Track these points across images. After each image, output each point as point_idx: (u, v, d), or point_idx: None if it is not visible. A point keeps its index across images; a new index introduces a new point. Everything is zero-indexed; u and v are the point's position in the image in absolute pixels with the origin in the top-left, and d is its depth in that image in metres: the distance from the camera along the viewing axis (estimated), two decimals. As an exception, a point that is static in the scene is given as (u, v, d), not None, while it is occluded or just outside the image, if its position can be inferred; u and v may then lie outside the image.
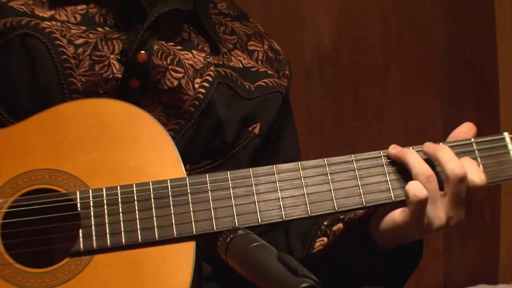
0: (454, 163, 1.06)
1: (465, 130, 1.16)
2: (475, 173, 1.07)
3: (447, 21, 2.38)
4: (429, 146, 1.11)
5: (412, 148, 1.13)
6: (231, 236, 0.93)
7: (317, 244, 1.26)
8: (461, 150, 1.13)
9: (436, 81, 2.38)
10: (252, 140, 1.30)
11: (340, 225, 1.21)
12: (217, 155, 1.27)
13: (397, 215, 1.09)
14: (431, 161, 1.11)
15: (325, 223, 1.22)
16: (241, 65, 1.30)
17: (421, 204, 1.05)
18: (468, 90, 2.43)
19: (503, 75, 2.43)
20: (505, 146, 1.15)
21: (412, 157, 1.10)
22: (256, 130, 1.31)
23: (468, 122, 1.18)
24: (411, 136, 2.31)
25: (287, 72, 1.38)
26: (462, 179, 1.05)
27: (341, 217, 1.19)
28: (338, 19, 2.26)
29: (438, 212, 1.07)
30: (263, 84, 1.32)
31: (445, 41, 2.40)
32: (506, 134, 1.15)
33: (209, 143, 1.26)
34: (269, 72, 1.33)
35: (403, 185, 1.09)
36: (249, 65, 1.32)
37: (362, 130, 2.30)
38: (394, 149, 1.14)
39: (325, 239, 1.25)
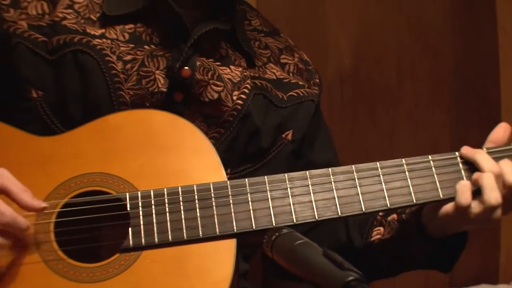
0: (490, 163, 1.10)
1: (502, 131, 1.20)
2: None
3: (455, 46, 2.38)
4: (467, 150, 1.16)
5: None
6: (276, 234, 0.95)
7: (374, 233, 1.29)
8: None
9: (444, 100, 2.38)
10: (286, 146, 1.32)
11: (395, 215, 1.24)
12: (255, 159, 1.28)
13: (450, 210, 1.11)
14: None
15: (380, 213, 1.25)
16: (274, 77, 1.31)
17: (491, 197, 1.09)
18: (473, 108, 2.42)
19: (505, 96, 2.43)
20: None
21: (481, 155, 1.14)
22: (289, 137, 1.32)
23: (504, 122, 1.21)
24: (420, 149, 2.28)
25: (317, 80, 1.40)
26: (498, 176, 1.08)
27: None
28: (357, 42, 2.27)
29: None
30: (295, 94, 1.33)
31: (453, 64, 2.39)
32: None
33: (246, 149, 1.26)
34: (300, 83, 1.34)
35: (419, 190, 1.13)
36: (282, 76, 1.32)
37: (377, 142, 2.30)
38: (464, 150, 1.17)
39: (381, 228, 1.28)
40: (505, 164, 1.10)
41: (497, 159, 1.12)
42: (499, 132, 1.17)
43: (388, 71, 2.29)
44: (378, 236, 1.27)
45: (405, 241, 1.22)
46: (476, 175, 1.10)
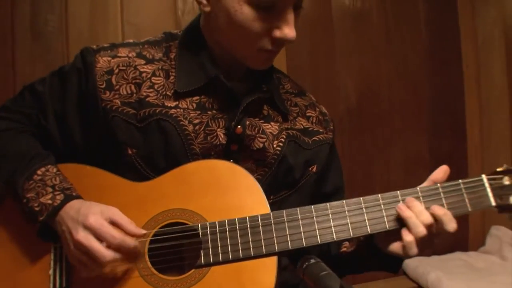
0: (424, 215, 0.99)
1: (442, 172, 1.07)
2: (449, 222, 0.99)
3: (431, 81, 2.36)
4: (408, 201, 1.02)
5: (400, 195, 1.04)
6: (306, 263, 0.93)
7: (343, 246, 1.25)
8: (450, 189, 1.03)
9: (424, 121, 2.36)
10: (311, 176, 1.28)
11: None
12: (290, 187, 1.25)
13: (396, 247, 1.04)
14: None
15: None
16: (302, 127, 1.27)
17: (409, 242, 1.01)
18: (445, 126, 2.37)
19: (469, 116, 2.38)
20: (483, 184, 1.03)
21: (408, 214, 1.01)
22: (314, 169, 1.28)
23: (444, 165, 1.08)
24: (408, 159, 2.27)
25: (332, 127, 1.34)
26: (431, 225, 0.99)
27: None
28: (360, 82, 2.26)
29: (419, 246, 1.01)
30: (317, 139, 1.28)
31: (429, 95, 2.37)
32: (483, 176, 1.04)
33: (284, 180, 1.23)
34: (320, 130, 1.29)
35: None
36: (307, 126, 1.28)
37: (377, 155, 2.28)
38: (398, 208, 1.03)
39: (347, 243, 1.24)
40: (420, 214, 1.00)
41: (428, 197, 1.03)
42: (440, 173, 1.07)
43: (382, 104, 2.27)
44: (344, 249, 1.24)
45: (362, 255, 1.17)
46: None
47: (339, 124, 2.15)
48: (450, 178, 2.43)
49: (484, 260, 2.09)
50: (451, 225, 0.98)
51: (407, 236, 1.00)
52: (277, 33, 1.04)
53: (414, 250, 1.02)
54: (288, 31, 1.03)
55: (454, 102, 2.33)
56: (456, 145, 2.30)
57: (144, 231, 1.01)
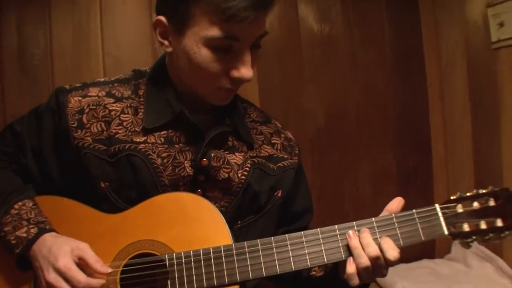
0: (371, 247, 0.98)
1: (396, 204, 1.06)
2: (390, 251, 0.97)
3: (397, 101, 2.37)
4: (361, 231, 1.02)
5: (355, 226, 1.03)
6: None
7: (312, 270, 1.23)
8: (404, 219, 1.01)
9: (390, 138, 2.36)
10: (277, 201, 1.27)
11: None
12: (256, 212, 1.24)
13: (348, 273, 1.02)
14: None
15: None
16: (267, 154, 1.26)
17: (351, 274, 0.99)
18: (411, 142, 2.38)
19: (433, 132, 2.38)
20: (436, 213, 1.01)
21: (353, 242, 1.01)
22: (279, 194, 1.27)
23: (399, 197, 1.06)
24: (377, 173, 2.28)
25: (297, 151, 1.33)
26: (377, 257, 0.98)
27: None
28: (328, 104, 2.27)
29: (367, 274, 0.99)
30: (281, 165, 1.27)
31: (395, 112, 2.38)
32: (437, 205, 1.03)
33: (250, 206, 1.23)
34: (285, 156, 1.29)
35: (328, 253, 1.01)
36: (272, 153, 1.27)
37: (346, 172, 2.29)
38: (349, 237, 1.02)
39: (317, 268, 1.22)
40: (367, 246, 0.99)
41: (382, 227, 1.02)
42: (394, 204, 1.06)
43: (350, 124, 2.27)
44: (313, 273, 1.22)
45: (328, 280, 1.17)
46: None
47: (309, 144, 2.16)
48: (417, 191, 2.45)
49: (450, 267, 2.09)
50: (390, 252, 0.97)
51: (350, 267, 0.99)
52: (234, 73, 1.04)
53: (355, 280, 1.01)
54: (245, 71, 1.04)
55: (419, 119, 2.34)
56: (421, 160, 2.32)
57: (109, 269, 1.00)
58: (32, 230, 1.03)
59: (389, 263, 0.98)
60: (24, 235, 1.03)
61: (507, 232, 0.98)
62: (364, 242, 1.00)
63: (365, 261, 0.98)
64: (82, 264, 0.99)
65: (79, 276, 0.96)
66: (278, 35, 2.03)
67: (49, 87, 1.79)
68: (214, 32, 0.99)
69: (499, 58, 1.95)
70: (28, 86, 1.82)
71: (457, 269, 2.04)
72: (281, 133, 1.33)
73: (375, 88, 2.27)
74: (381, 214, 1.06)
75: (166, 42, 1.10)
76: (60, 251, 0.98)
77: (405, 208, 1.04)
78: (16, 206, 1.08)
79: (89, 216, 1.11)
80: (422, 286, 1.89)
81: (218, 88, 1.08)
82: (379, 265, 0.99)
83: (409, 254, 2.22)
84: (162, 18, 1.08)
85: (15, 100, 1.81)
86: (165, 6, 1.07)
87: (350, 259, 1.00)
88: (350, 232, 1.02)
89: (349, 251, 1.01)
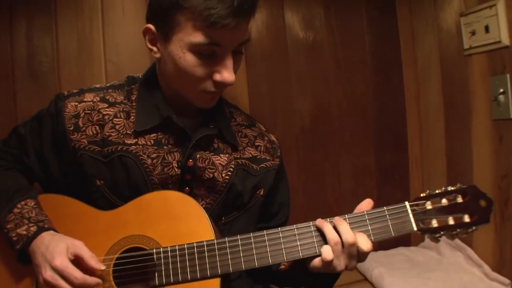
0: (348, 234, 0.98)
1: (366, 204, 1.06)
2: (364, 242, 0.98)
3: (376, 102, 2.36)
4: (336, 220, 1.02)
5: (329, 220, 1.03)
6: None
7: (282, 265, 1.24)
8: (375, 216, 1.01)
9: (370, 136, 2.35)
10: (259, 199, 1.29)
11: None
12: (239, 209, 1.26)
13: (317, 262, 1.02)
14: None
15: None
16: (251, 156, 1.28)
17: (328, 261, 0.99)
18: (389, 141, 2.38)
19: (410, 132, 2.37)
20: (406, 210, 1.00)
21: (327, 227, 1.01)
22: (261, 193, 1.29)
23: (368, 198, 1.06)
24: (357, 171, 2.28)
25: (279, 153, 1.34)
26: (353, 244, 0.97)
27: None
28: (313, 105, 2.28)
29: (340, 263, 0.99)
30: (264, 166, 1.29)
31: (374, 114, 2.36)
32: (406, 203, 1.02)
33: (234, 203, 1.24)
34: (267, 158, 1.31)
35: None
36: (256, 154, 1.29)
37: (329, 168, 2.28)
38: (318, 222, 1.03)
39: (286, 263, 1.22)
40: (346, 232, 0.98)
41: (355, 223, 1.01)
42: (364, 204, 1.05)
43: (333, 123, 2.26)
44: (282, 267, 1.23)
45: (296, 274, 1.16)
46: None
47: (296, 142, 2.17)
48: (394, 186, 2.44)
49: (424, 255, 2.11)
50: (364, 243, 0.97)
51: (326, 254, 0.98)
52: (217, 77, 1.05)
53: (324, 269, 1.00)
54: (227, 75, 1.05)
55: (396, 119, 2.34)
56: (398, 157, 2.32)
57: (103, 266, 1.02)
58: (31, 228, 1.06)
59: (360, 254, 0.98)
60: (24, 232, 1.05)
61: (473, 227, 0.98)
62: (342, 229, 0.99)
63: (340, 248, 0.98)
64: (77, 261, 1.01)
65: (76, 273, 0.98)
66: (266, 42, 2.03)
67: (56, 91, 1.83)
68: (197, 38, 1.00)
69: (471, 64, 1.96)
70: (37, 91, 1.84)
71: (430, 257, 2.05)
72: (265, 136, 1.35)
73: (356, 91, 2.27)
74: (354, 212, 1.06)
75: (154, 49, 1.11)
76: (56, 249, 1.00)
77: (383, 200, 1.05)
78: (19, 205, 1.11)
79: (85, 213, 1.14)
80: (397, 273, 1.90)
81: (203, 91, 1.08)
82: (351, 253, 0.98)
83: (387, 241, 2.23)
84: (151, 26, 1.08)
85: (25, 104, 1.83)
86: (153, 14, 1.07)
87: (324, 247, 0.99)
88: (320, 219, 1.02)
89: (323, 244, 1.01)
